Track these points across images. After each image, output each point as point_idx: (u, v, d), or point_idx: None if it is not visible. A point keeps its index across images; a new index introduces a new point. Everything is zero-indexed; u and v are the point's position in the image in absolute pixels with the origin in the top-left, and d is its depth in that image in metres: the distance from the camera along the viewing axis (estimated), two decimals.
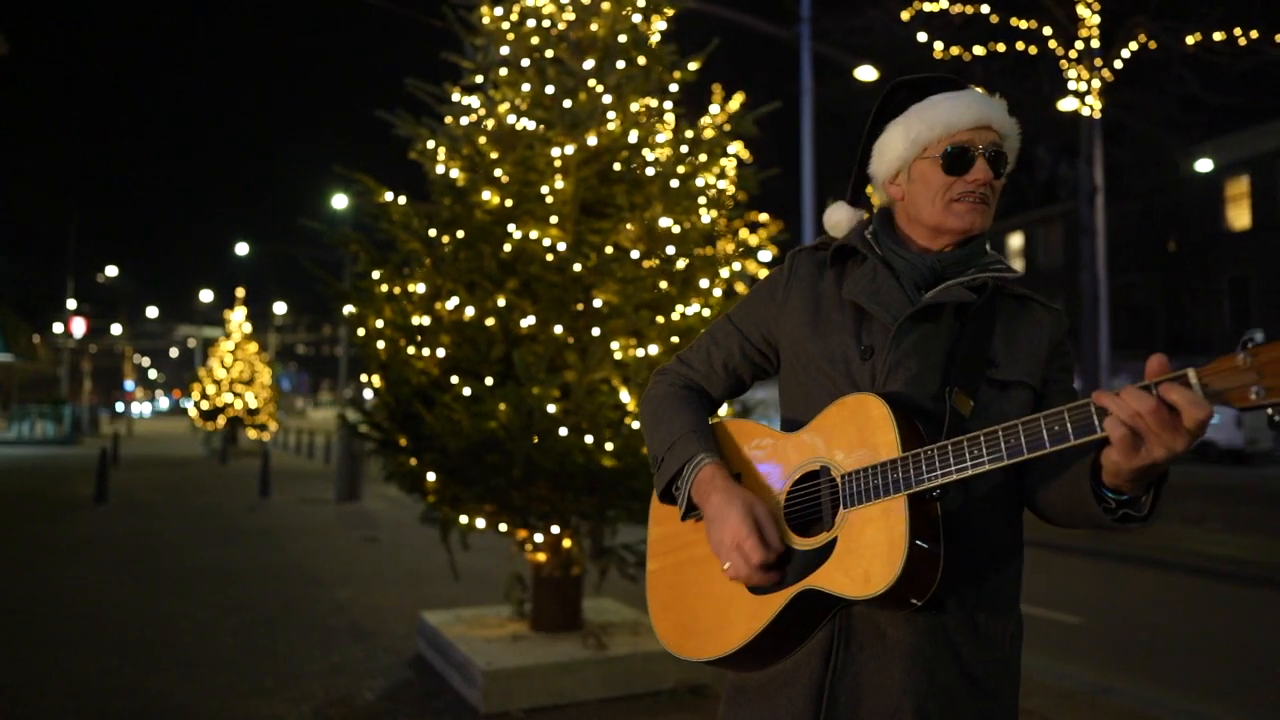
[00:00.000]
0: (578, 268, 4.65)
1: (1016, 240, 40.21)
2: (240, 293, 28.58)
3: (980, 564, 1.43)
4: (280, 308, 55.08)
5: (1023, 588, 1.53)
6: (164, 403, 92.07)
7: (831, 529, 1.38)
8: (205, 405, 26.46)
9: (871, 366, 1.48)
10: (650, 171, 4.96)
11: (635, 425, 4.57)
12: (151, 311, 62.76)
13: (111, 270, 48.34)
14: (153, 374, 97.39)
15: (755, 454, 1.56)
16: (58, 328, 41.26)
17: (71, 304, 38.95)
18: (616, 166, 5.00)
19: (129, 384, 57.36)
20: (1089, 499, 1.31)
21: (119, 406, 54.52)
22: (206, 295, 52.26)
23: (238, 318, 28.11)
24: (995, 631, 1.44)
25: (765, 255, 5.54)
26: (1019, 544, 1.52)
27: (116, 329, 58.41)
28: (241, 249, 36.64)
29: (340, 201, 24.90)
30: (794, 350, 1.60)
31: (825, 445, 1.44)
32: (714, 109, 5.72)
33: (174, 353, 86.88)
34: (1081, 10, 11.79)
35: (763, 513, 1.44)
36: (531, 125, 4.99)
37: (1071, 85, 12.04)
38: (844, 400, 1.43)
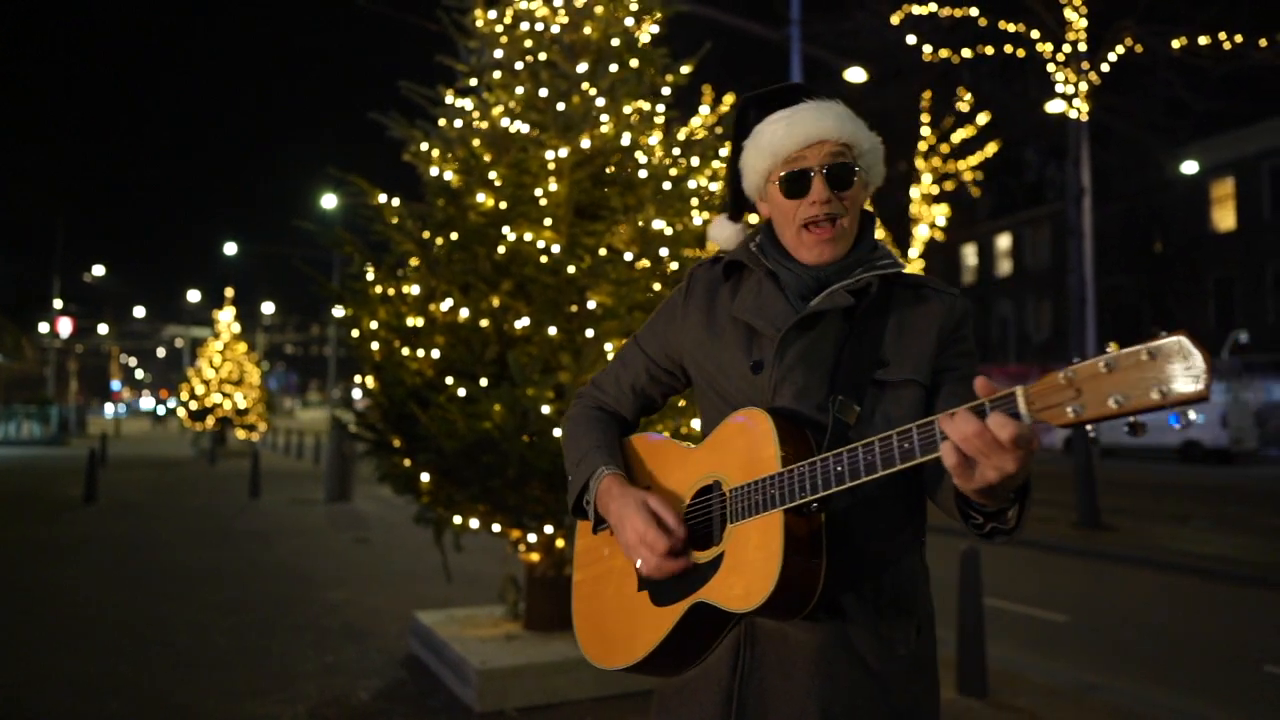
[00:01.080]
0: (571, 270, 4.68)
1: (1004, 241, 40.44)
2: (229, 293, 28.46)
3: (874, 563, 1.45)
4: (268, 308, 54.87)
5: (928, 578, 1.54)
6: (149, 403, 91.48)
7: (720, 543, 1.43)
8: (194, 406, 26.32)
9: (763, 380, 1.50)
10: (643, 174, 5.00)
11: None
12: (139, 311, 62.44)
13: (99, 270, 48.07)
14: (140, 374, 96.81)
15: (660, 469, 1.60)
16: (44, 327, 40.96)
17: (58, 303, 38.72)
18: (610, 169, 5.04)
19: (115, 384, 57.01)
20: (955, 513, 1.35)
21: (108, 408, 54.17)
22: (194, 295, 52.05)
23: (226, 318, 27.99)
24: (897, 628, 1.45)
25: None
26: (917, 539, 1.53)
27: (103, 329, 58.04)
28: (230, 249, 36.50)
29: (330, 202, 24.85)
30: (696, 368, 1.64)
31: (719, 460, 1.48)
32: (704, 110, 5.78)
33: (161, 353, 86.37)
34: (1069, 14, 11.89)
35: (656, 503, 1.47)
36: (525, 128, 5.02)
37: (1059, 88, 12.13)
38: (736, 415, 1.47)
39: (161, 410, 57.43)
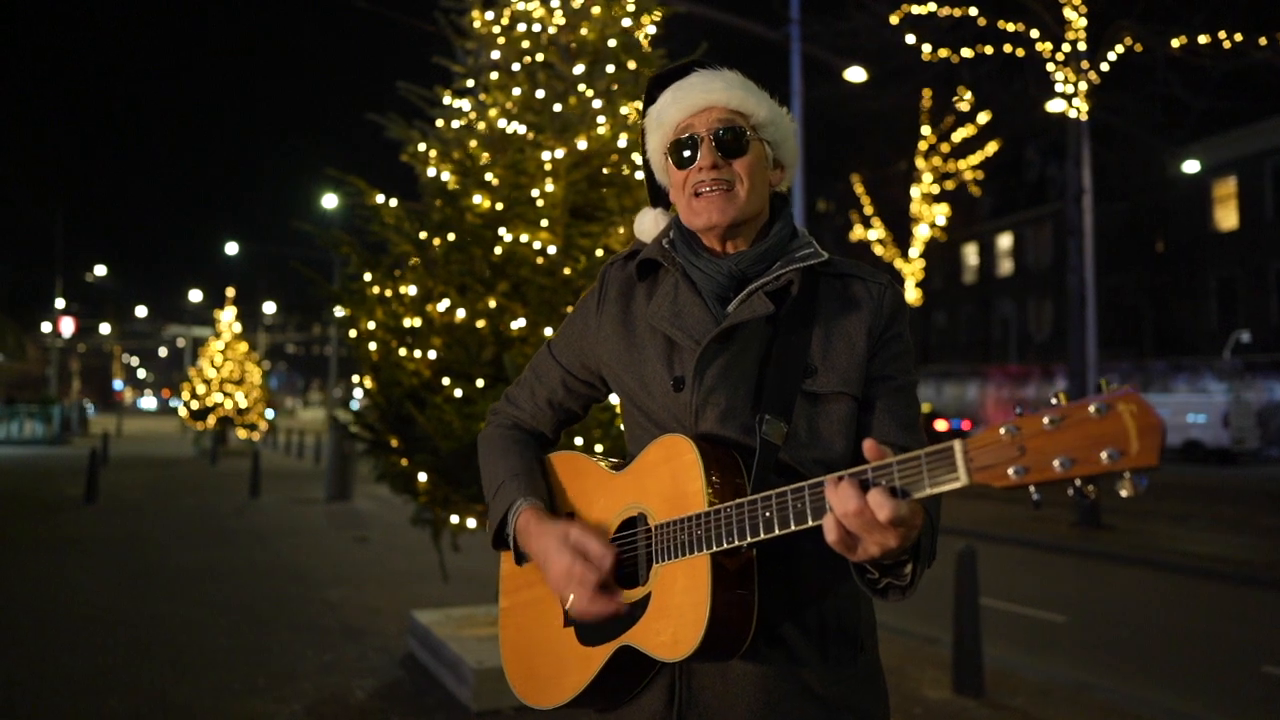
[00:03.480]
0: (568, 271, 4.70)
1: (1005, 241, 40.40)
2: (230, 292, 28.48)
3: (813, 589, 1.37)
4: (270, 307, 54.93)
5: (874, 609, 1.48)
6: (150, 402, 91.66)
7: (646, 583, 1.34)
8: (195, 405, 26.36)
9: (685, 399, 1.39)
10: (639, 175, 5.01)
11: (624, 426, 4.62)
12: (140, 311, 62.53)
13: (100, 269, 48.13)
14: (142, 373, 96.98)
15: (585, 493, 1.51)
16: (46, 327, 41.06)
17: (60, 303, 38.77)
18: (606, 170, 5.05)
19: (118, 384, 57.10)
20: (851, 570, 1.27)
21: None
22: (196, 295, 52.12)
23: (227, 317, 28.02)
24: (842, 650, 1.38)
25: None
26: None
27: (105, 328, 58.12)
28: (231, 249, 36.54)
29: (330, 202, 24.89)
30: (614, 380, 1.52)
31: (643, 490, 1.39)
32: None
33: (163, 352, 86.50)
34: (1068, 13, 11.89)
35: (579, 533, 1.38)
36: (522, 129, 5.03)
37: (1059, 87, 12.13)
38: (660, 441, 1.36)
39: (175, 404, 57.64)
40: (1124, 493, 0.90)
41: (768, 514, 1.20)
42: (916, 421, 1.43)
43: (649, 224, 1.59)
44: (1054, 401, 0.95)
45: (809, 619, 1.36)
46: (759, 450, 1.31)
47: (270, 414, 28.88)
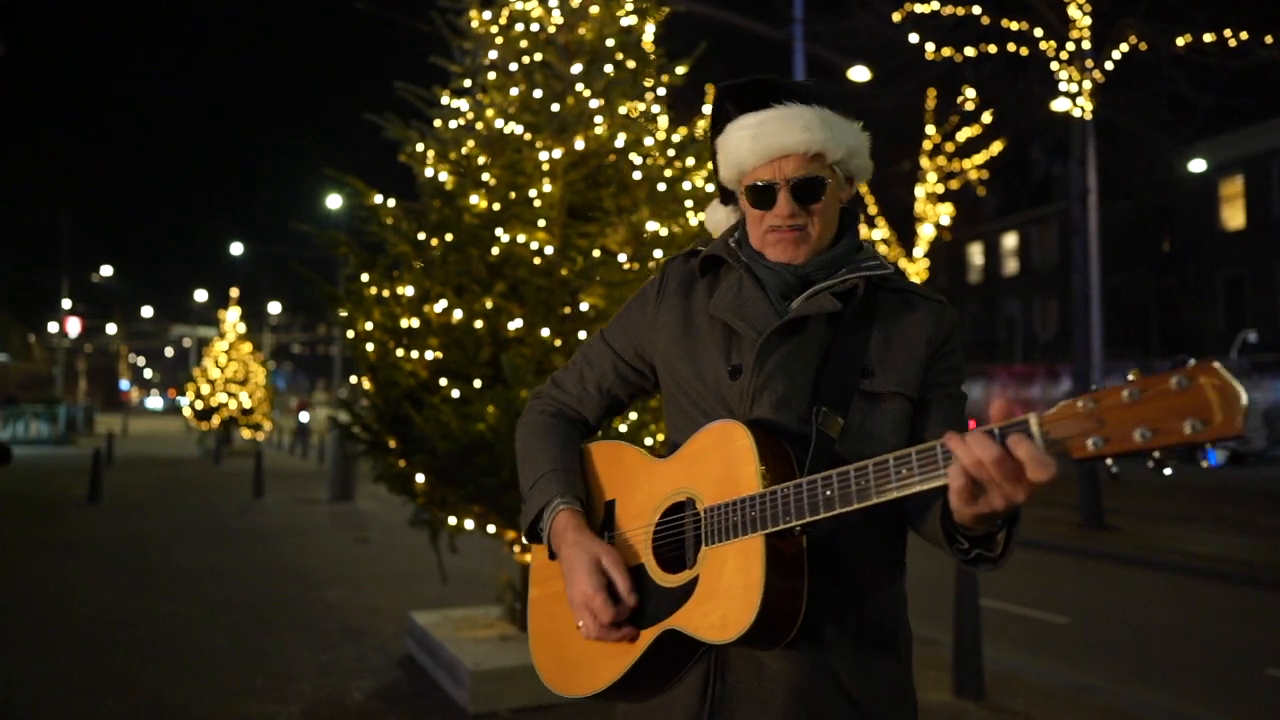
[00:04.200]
0: (565, 271, 4.68)
1: (1011, 240, 40.28)
2: (234, 293, 28.54)
3: (857, 590, 1.37)
4: (275, 307, 55.03)
5: (905, 599, 1.49)
6: (156, 402, 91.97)
7: (694, 567, 1.34)
8: (199, 405, 26.42)
9: (741, 387, 1.41)
10: (637, 175, 4.99)
11: (623, 428, 4.60)
12: (146, 311, 62.73)
13: (106, 270, 48.28)
14: (148, 373, 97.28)
15: (627, 481, 1.50)
16: (53, 327, 41.17)
17: (66, 304, 38.87)
18: (605, 170, 5.03)
19: (124, 383, 57.28)
20: (941, 538, 1.28)
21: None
22: (201, 295, 52.24)
23: (232, 317, 28.07)
24: (878, 656, 1.38)
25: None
26: (899, 564, 1.46)
27: (111, 329, 58.32)
28: (236, 249, 36.62)
29: (335, 202, 24.92)
30: (667, 369, 1.53)
31: (692, 475, 1.38)
32: (706, 110, 5.76)
33: (169, 352, 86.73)
34: (1072, 11, 11.83)
35: (610, 564, 1.39)
36: (519, 129, 5.02)
37: (1063, 86, 12.07)
38: (711, 427, 1.37)
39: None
40: (1204, 464, 0.92)
41: (828, 492, 1.20)
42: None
43: (720, 218, 1.64)
44: (1130, 378, 0.97)
45: (848, 620, 1.36)
46: (814, 441, 1.32)
47: (277, 414, 28.90)
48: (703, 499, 1.35)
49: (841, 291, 1.43)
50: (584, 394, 1.64)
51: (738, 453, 1.31)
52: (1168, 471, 0.97)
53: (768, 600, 1.23)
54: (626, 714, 1.50)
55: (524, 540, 1.59)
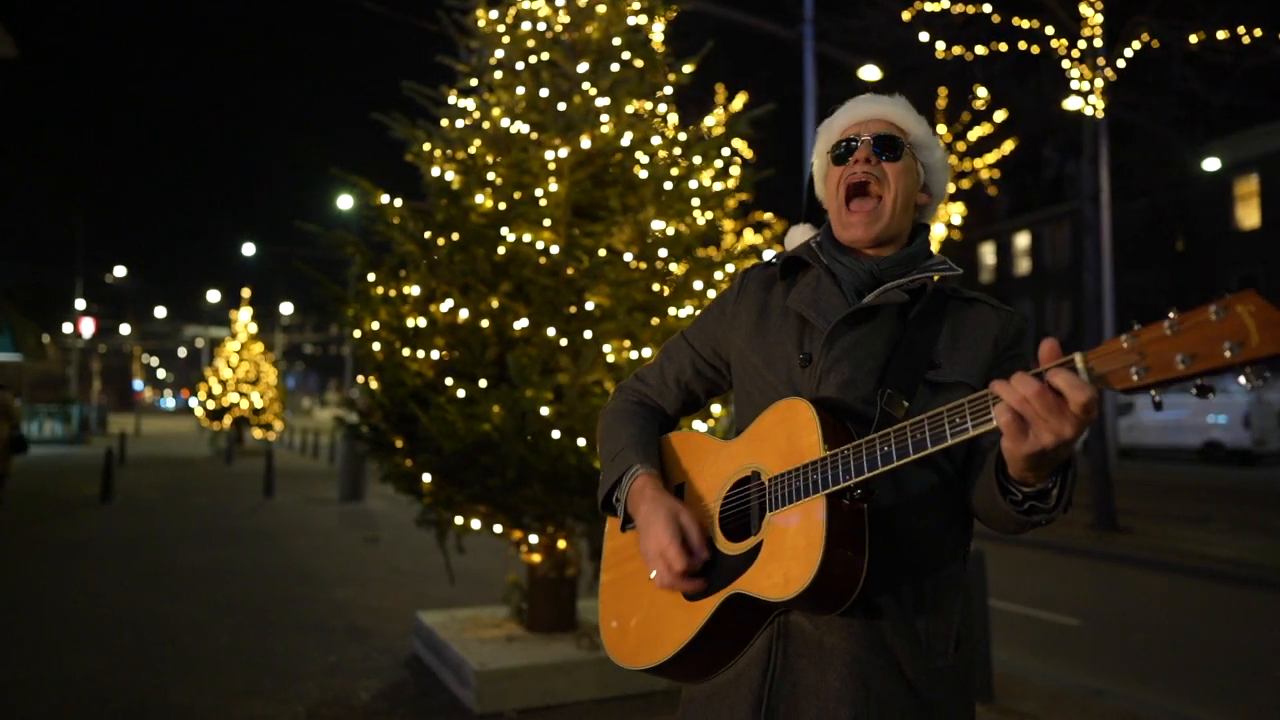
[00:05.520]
0: (570, 270, 4.67)
1: (1023, 240, 40.07)
2: (246, 293, 28.65)
3: (917, 566, 1.41)
4: (287, 308, 55.26)
5: (971, 591, 1.51)
6: (171, 402, 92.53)
7: (758, 533, 1.39)
8: (211, 405, 26.53)
9: (811, 373, 1.48)
10: (644, 174, 4.97)
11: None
12: (159, 311, 63.04)
13: (120, 270, 48.53)
14: (161, 374, 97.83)
15: (697, 463, 1.58)
16: (67, 328, 41.44)
17: (80, 304, 39.11)
18: (611, 169, 5.01)
19: (138, 384, 57.62)
20: (996, 492, 1.30)
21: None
22: (214, 295, 52.49)
23: (243, 318, 28.19)
24: (937, 638, 1.41)
25: (770, 255, 5.55)
26: (961, 547, 1.49)
27: (125, 329, 58.65)
28: (248, 249, 36.77)
29: (346, 202, 24.98)
30: (741, 362, 1.62)
31: (758, 451, 1.45)
32: (719, 110, 5.74)
33: (182, 352, 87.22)
34: (1084, 9, 11.74)
35: (687, 520, 1.45)
36: (525, 128, 5.01)
37: (1074, 85, 11.99)
38: (776, 405, 1.44)
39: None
40: (1245, 384, 0.97)
41: (886, 448, 1.24)
42: None
43: (798, 237, 1.76)
44: (1171, 315, 1.00)
45: (907, 598, 1.40)
46: (878, 420, 1.37)
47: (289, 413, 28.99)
48: (768, 471, 1.41)
49: (912, 289, 1.50)
50: (663, 387, 1.75)
51: (801, 425, 1.37)
52: (1210, 398, 1.00)
53: (828, 556, 1.26)
54: (691, 697, 1.54)
55: (599, 511, 1.67)
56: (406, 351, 4.91)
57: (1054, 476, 1.24)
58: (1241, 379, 0.96)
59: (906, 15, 11.99)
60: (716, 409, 5.01)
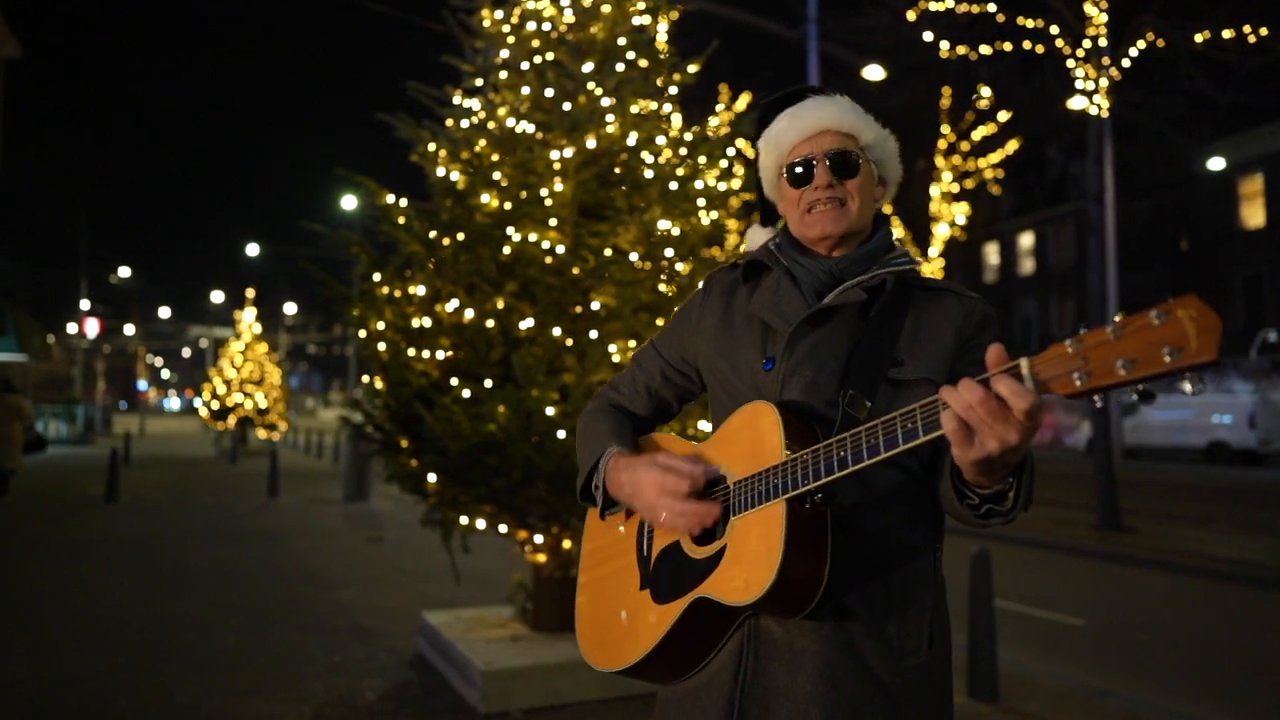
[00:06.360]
0: (576, 270, 4.67)
1: (1027, 240, 40.02)
2: (250, 293, 28.69)
3: (885, 565, 1.41)
4: (291, 308, 55.33)
5: (943, 586, 1.50)
6: (176, 402, 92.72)
7: (723, 536, 1.40)
8: (215, 405, 26.57)
9: (774, 377, 1.48)
10: (649, 174, 4.97)
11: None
12: (164, 312, 63.18)
13: (124, 271, 48.61)
14: (166, 374, 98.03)
15: None
16: (72, 328, 41.52)
17: (85, 304, 39.19)
18: (616, 169, 5.01)
19: (142, 384, 57.73)
20: (953, 495, 1.31)
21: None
22: (218, 296, 52.57)
23: (248, 318, 28.22)
24: (908, 637, 1.41)
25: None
26: (931, 543, 1.48)
27: (129, 329, 58.77)
28: (252, 250, 36.82)
29: (350, 203, 25.01)
30: (709, 368, 1.63)
31: (725, 454, 1.46)
32: (720, 108, 5.74)
33: (186, 353, 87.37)
34: (1089, 9, 11.70)
35: (664, 458, 1.46)
36: (531, 128, 5.01)
37: (1079, 84, 11.96)
38: (743, 409, 1.45)
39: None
40: (1187, 388, 0.97)
41: (841, 453, 1.25)
42: None
43: (758, 238, 1.72)
44: (1115, 319, 1.00)
45: (876, 597, 1.39)
46: (839, 422, 1.37)
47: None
48: (734, 474, 1.41)
49: (871, 286, 1.49)
50: (635, 394, 1.77)
51: (765, 428, 1.38)
52: (1150, 407, 1.00)
53: (787, 561, 1.27)
54: (664, 700, 1.54)
55: (579, 501, 1.69)
56: (412, 351, 4.91)
57: (1010, 478, 1.23)
58: (1186, 385, 0.96)
59: (911, 14, 11.97)
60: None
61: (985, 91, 17.36)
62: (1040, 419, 1.08)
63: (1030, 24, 11.86)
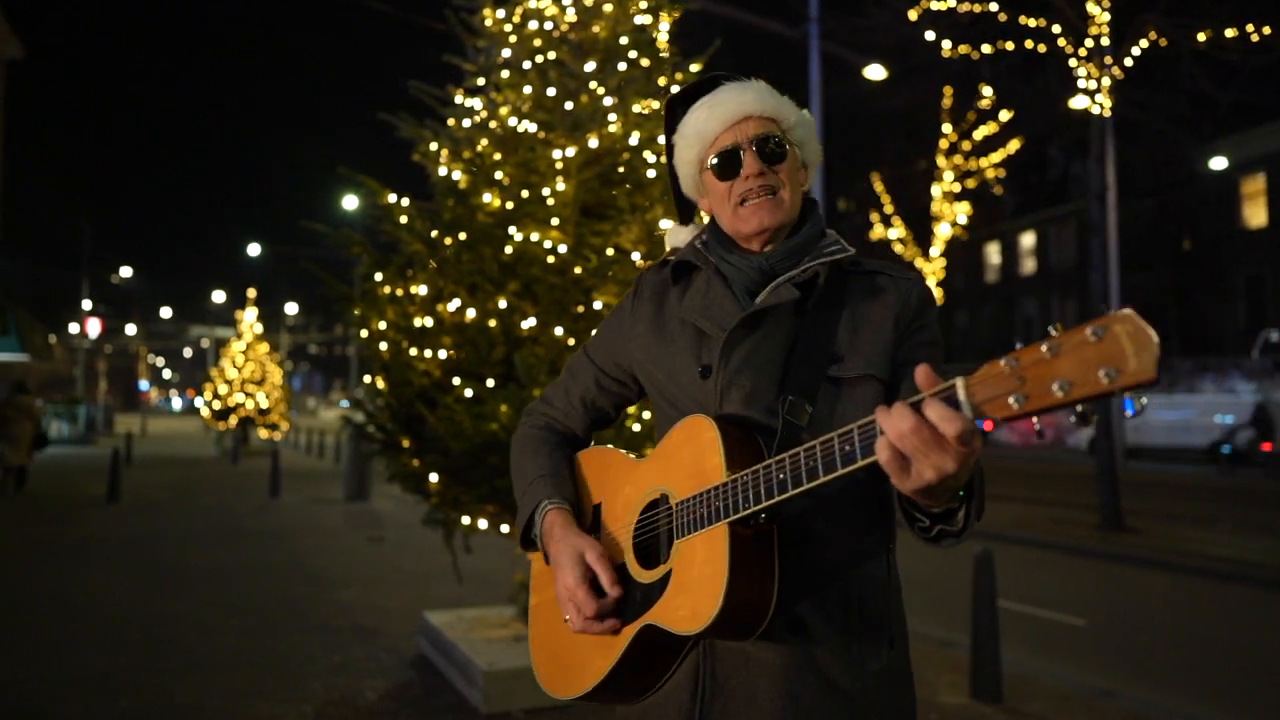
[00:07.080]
0: (578, 270, 4.66)
1: (1028, 239, 39.98)
2: (251, 293, 28.70)
3: (837, 574, 1.36)
4: (292, 308, 55.36)
5: (900, 589, 1.47)
6: (178, 402, 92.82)
7: (667, 561, 1.35)
8: (217, 405, 26.58)
9: (711, 385, 1.42)
10: (651, 173, 4.96)
11: (636, 427, 4.57)
12: (165, 312, 63.22)
13: (126, 271, 48.65)
14: (167, 374, 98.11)
15: (612, 483, 1.53)
16: (73, 328, 41.57)
17: (87, 304, 39.22)
18: (619, 169, 5.00)
19: (143, 384, 57.77)
20: (901, 517, 1.27)
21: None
22: (219, 296, 52.61)
23: (249, 318, 28.23)
24: (868, 642, 1.37)
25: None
26: (881, 547, 1.42)
27: (131, 329, 58.81)
28: (253, 250, 36.83)
29: (352, 202, 25.02)
30: (645, 376, 1.57)
31: (666, 471, 1.40)
32: None
33: (188, 353, 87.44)
34: (1091, 8, 11.69)
35: (594, 558, 1.40)
36: (533, 127, 5.00)
37: (1081, 83, 11.95)
38: (684, 423, 1.39)
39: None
40: (1127, 415, 0.90)
41: (781, 475, 1.19)
42: None
43: (683, 238, 1.64)
44: (1053, 332, 0.94)
45: (832, 607, 1.35)
46: (781, 430, 1.32)
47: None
48: (676, 493, 1.36)
49: (803, 281, 1.43)
50: (570, 407, 1.68)
51: (704, 446, 1.33)
52: (1089, 428, 0.94)
53: (733, 587, 1.23)
54: (625, 716, 1.50)
55: (521, 546, 1.61)
56: (414, 351, 4.90)
57: (958, 498, 1.18)
58: (1128, 406, 0.91)
59: (913, 14, 11.96)
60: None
61: (987, 91, 17.35)
62: (977, 444, 1.01)
63: (1032, 23, 11.86)
